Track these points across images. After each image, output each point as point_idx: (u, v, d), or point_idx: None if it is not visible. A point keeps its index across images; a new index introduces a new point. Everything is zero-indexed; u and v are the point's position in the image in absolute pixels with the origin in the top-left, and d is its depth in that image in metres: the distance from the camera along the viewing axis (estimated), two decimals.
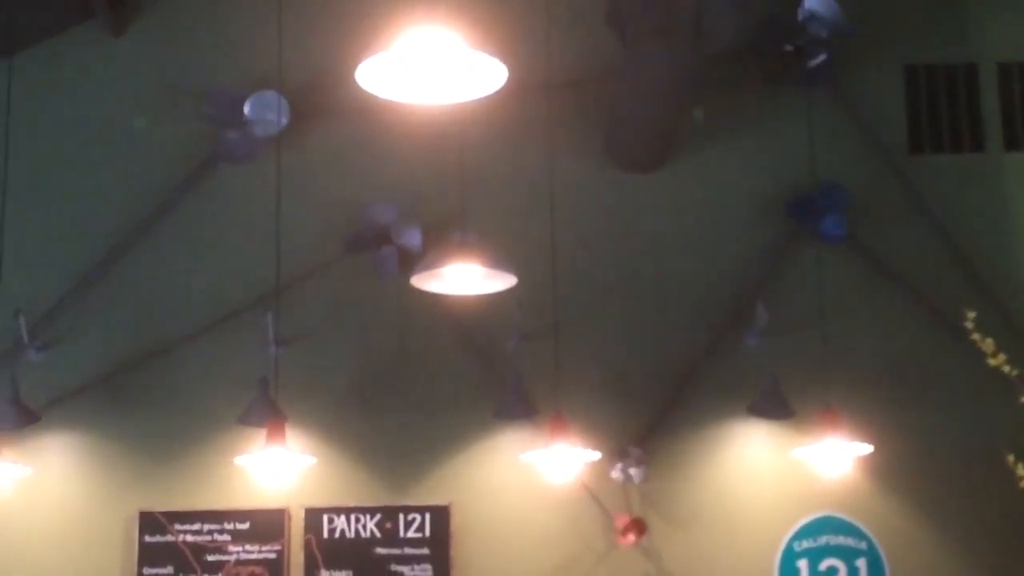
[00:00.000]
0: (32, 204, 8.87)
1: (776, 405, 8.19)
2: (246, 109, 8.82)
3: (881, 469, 8.52)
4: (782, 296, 8.74)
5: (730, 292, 8.84)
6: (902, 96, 9.20)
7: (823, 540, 8.58)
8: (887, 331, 8.82)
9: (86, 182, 9.19)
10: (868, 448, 8.00)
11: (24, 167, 8.50)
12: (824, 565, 8.56)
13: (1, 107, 7.74)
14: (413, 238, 8.68)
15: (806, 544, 8.57)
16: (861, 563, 8.56)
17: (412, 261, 8.20)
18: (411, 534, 8.61)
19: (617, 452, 8.48)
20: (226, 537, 8.67)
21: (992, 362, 6.21)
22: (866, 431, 8.09)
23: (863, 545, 8.57)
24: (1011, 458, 6.46)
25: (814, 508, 8.62)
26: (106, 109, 9.27)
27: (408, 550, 8.60)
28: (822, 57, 8.57)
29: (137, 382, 8.89)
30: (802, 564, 8.56)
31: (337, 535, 8.64)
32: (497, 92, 3.95)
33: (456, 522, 8.61)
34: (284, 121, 8.68)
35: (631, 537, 8.43)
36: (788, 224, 8.89)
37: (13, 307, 8.36)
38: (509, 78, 3.85)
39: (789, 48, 8.72)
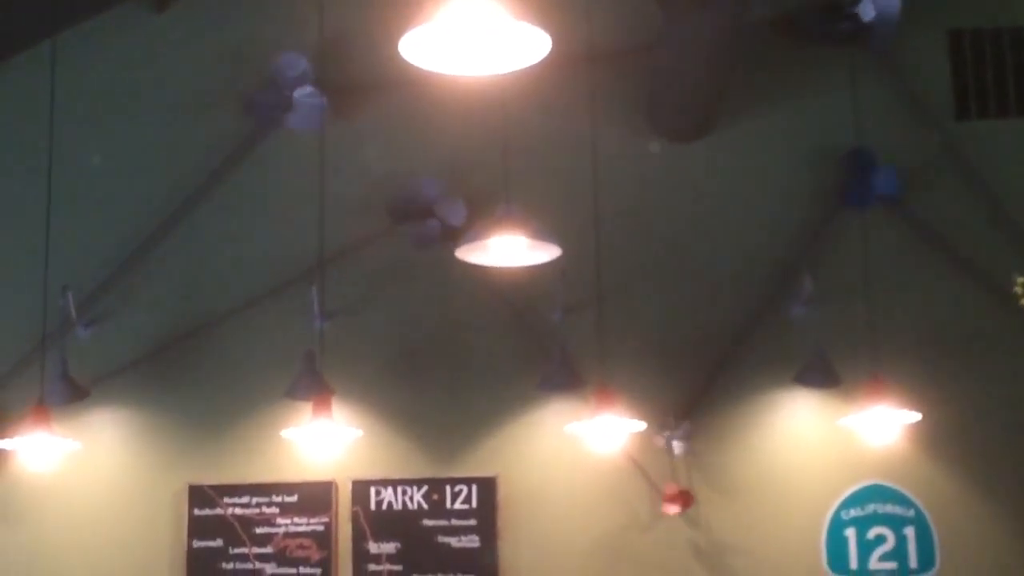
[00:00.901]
0: (78, 181, 8.93)
1: (823, 374, 8.15)
2: (296, 95, 8.81)
3: (929, 437, 8.47)
4: (828, 264, 8.69)
5: (775, 261, 8.79)
6: (947, 61, 9.11)
7: (871, 508, 8.55)
8: (934, 298, 8.76)
9: (131, 159, 9.23)
10: (916, 416, 7.96)
11: (69, 144, 8.55)
12: (872, 533, 8.53)
13: (46, 85, 7.77)
14: (456, 212, 8.68)
15: (854, 513, 8.55)
16: (909, 531, 8.52)
17: (454, 235, 8.23)
18: (458, 505, 8.64)
19: (663, 422, 8.46)
20: (274, 510, 8.72)
21: None
22: (914, 399, 8.06)
23: (911, 513, 8.53)
24: None
25: (861, 477, 8.58)
26: (149, 86, 9.31)
27: (455, 521, 8.63)
28: (846, 24, 8.50)
29: (184, 357, 8.95)
30: (850, 533, 8.53)
31: (384, 507, 8.68)
32: (539, 63, 3.94)
33: (503, 493, 8.63)
34: (315, 126, 8.65)
35: (675, 507, 8.43)
36: (834, 192, 8.83)
37: (61, 284, 8.39)
38: (551, 49, 3.84)
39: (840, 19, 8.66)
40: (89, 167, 9.11)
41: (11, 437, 7.67)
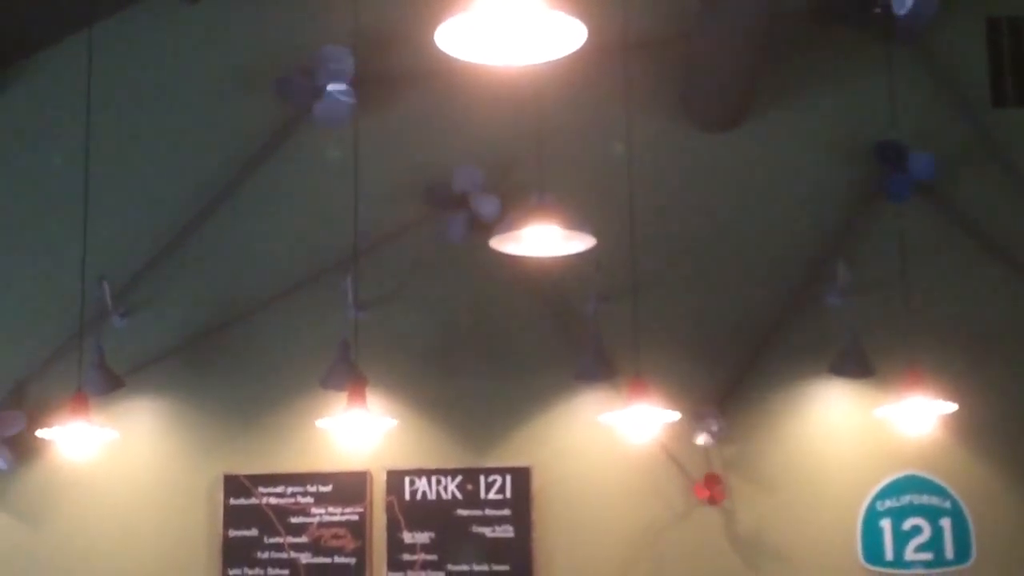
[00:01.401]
0: (114, 171, 8.97)
1: (858, 364, 8.13)
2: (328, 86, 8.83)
3: (965, 428, 8.43)
4: (863, 254, 8.66)
5: (810, 250, 8.76)
6: (984, 48, 9.05)
7: (906, 499, 8.52)
8: (971, 288, 8.71)
9: (166, 149, 9.27)
10: (952, 406, 7.92)
11: (105, 135, 8.58)
12: (908, 524, 8.50)
13: (82, 76, 7.80)
14: (489, 204, 8.67)
15: (889, 504, 8.52)
16: (945, 523, 8.48)
17: (485, 226, 8.23)
18: (492, 495, 8.64)
19: (697, 413, 8.45)
20: (309, 500, 8.75)
21: None
22: (950, 389, 8.01)
23: (947, 504, 8.50)
24: None
25: (897, 467, 8.55)
26: (184, 75, 9.35)
27: (489, 511, 8.63)
28: (907, 6, 8.43)
29: (220, 347, 8.98)
30: (885, 524, 8.50)
31: (419, 497, 8.69)
32: (574, 52, 3.93)
33: (537, 483, 8.63)
34: (340, 124, 8.67)
35: (707, 493, 8.42)
36: (870, 180, 8.78)
37: (97, 274, 8.43)
38: (586, 38, 3.83)
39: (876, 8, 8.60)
40: (125, 159, 9.14)
41: (50, 426, 7.72)
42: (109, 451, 8.66)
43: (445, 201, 8.83)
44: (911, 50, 8.84)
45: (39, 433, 7.97)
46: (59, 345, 8.87)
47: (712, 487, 8.44)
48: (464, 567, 8.58)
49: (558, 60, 4.00)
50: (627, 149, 7.85)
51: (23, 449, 8.84)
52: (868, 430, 8.51)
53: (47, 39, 9.35)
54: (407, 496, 8.70)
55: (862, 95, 8.83)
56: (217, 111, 9.26)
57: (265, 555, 8.72)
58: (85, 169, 7.76)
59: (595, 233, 6.06)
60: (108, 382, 8.05)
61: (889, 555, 8.47)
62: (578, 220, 5.95)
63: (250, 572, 8.71)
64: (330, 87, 8.77)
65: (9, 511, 8.94)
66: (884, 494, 8.53)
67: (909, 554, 8.48)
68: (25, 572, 8.86)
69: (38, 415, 8.72)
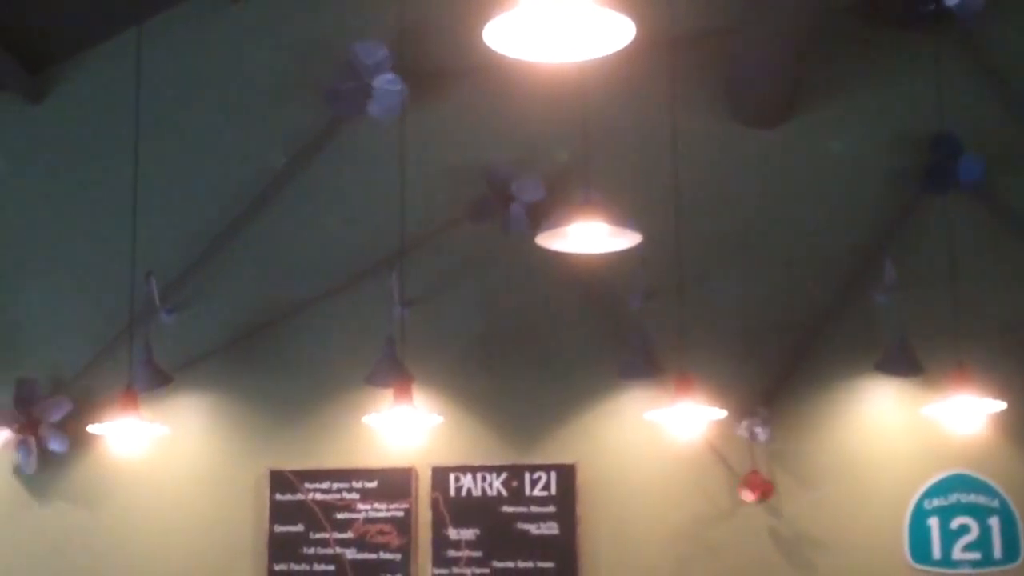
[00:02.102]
0: (163, 168, 9.02)
1: (905, 362, 8.07)
2: (375, 82, 8.83)
3: (1014, 426, 8.36)
4: (911, 251, 8.60)
5: (857, 248, 8.71)
6: None
7: (954, 498, 8.46)
8: (1019, 285, 8.63)
9: (214, 145, 9.32)
10: (1001, 405, 7.86)
11: (154, 131, 8.64)
12: (955, 523, 8.44)
13: (130, 74, 7.86)
14: (535, 192, 8.67)
15: (937, 502, 8.46)
16: (993, 521, 8.42)
17: (537, 216, 8.24)
18: (537, 492, 8.64)
19: (743, 410, 8.42)
20: (355, 496, 8.78)
21: None
22: (998, 387, 7.95)
23: (995, 503, 8.43)
24: None
25: (945, 466, 8.48)
26: (231, 73, 9.39)
27: (534, 508, 8.63)
28: (931, 6, 8.38)
29: (266, 343, 9.03)
30: (932, 522, 8.45)
31: (464, 493, 8.70)
32: (620, 48, 3.92)
33: (582, 480, 8.62)
34: (395, 112, 8.67)
35: (752, 493, 8.39)
36: (917, 178, 8.72)
37: (144, 270, 8.49)
38: (634, 35, 3.82)
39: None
40: (173, 155, 9.20)
41: (100, 422, 7.78)
42: (158, 447, 8.72)
43: (488, 204, 8.83)
44: (960, 45, 8.77)
45: (90, 428, 8.04)
46: (108, 342, 8.94)
47: (758, 486, 8.40)
48: (509, 564, 8.58)
49: (604, 56, 3.99)
50: (673, 145, 7.82)
51: (73, 444, 8.92)
52: (915, 428, 8.46)
53: (95, 38, 9.42)
54: (452, 492, 8.71)
55: (910, 90, 8.77)
56: (264, 109, 9.30)
57: (311, 551, 8.75)
58: (134, 165, 7.82)
59: (641, 229, 6.05)
60: (156, 378, 8.11)
61: (937, 554, 8.42)
62: (624, 217, 5.94)
63: (296, 568, 8.74)
64: (377, 82, 8.77)
65: (60, 505, 9.02)
66: (932, 493, 8.47)
67: (957, 553, 8.42)
68: (75, 565, 8.95)
69: (88, 411, 8.80)
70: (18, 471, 9.03)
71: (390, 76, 8.76)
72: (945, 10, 8.53)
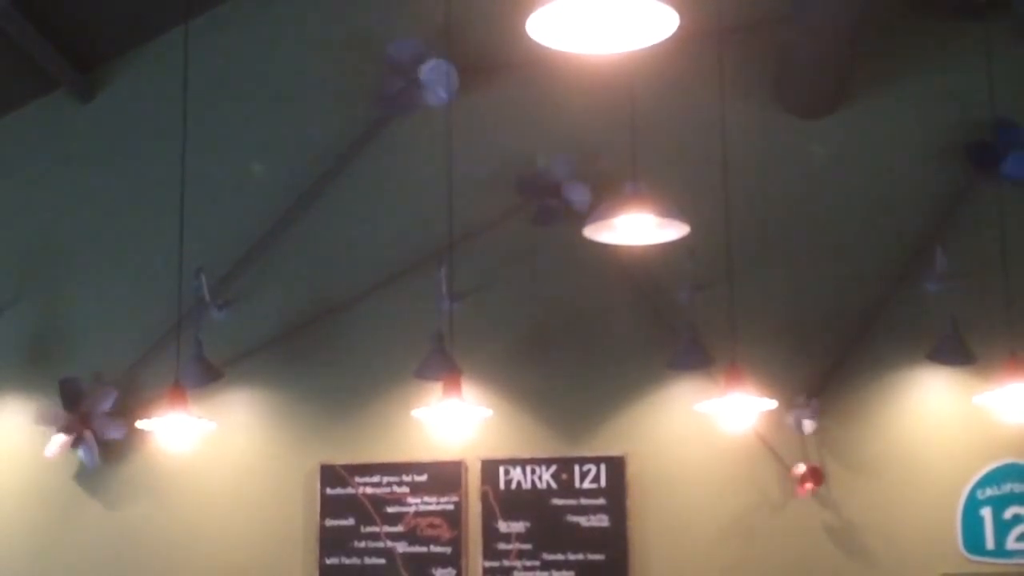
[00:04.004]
0: (211, 165, 9.05)
1: (957, 351, 8.02)
2: (421, 72, 8.83)
3: None
4: (962, 240, 8.52)
5: (908, 237, 8.65)
6: None
7: (1007, 488, 8.39)
8: None
9: (262, 141, 9.37)
10: None
11: (202, 129, 8.66)
12: (1008, 513, 8.38)
13: (179, 71, 7.90)
14: (582, 198, 8.66)
15: (990, 492, 8.40)
16: None
17: (578, 214, 8.23)
18: (587, 485, 8.64)
19: (793, 401, 8.38)
20: (405, 489, 8.80)
21: None
22: None
23: None
24: None
25: (998, 456, 8.41)
26: (277, 69, 9.44)
27: (584, 501, 8.63)
28: None
29: (316, 338, 9.06)
30: (985, 512, 8.38)
31: (513, 486, 8.71)
32: (666, 39, 3.91)
33: (631, 472, 8.61)
34: (450, 96, 8.67)
35: (809, 486, 8.35)
36: (967, 166, 8.65)
37: (194, 266, 8.54)
38: (678, 24, 3.80)
39: None
40: (221, 152, 9.25)
41: (149, 418, 7.83)
42: (207, 442, 8.78)
43: (533, 190, 8.83)
44: (1011, 32, 8.69)
45: (139, 424, 8.10)
46: (159, 337, 9.00)
47: (810, 480, 8.35)
48: (559, 556, 8.58)
49: (651, 47, 3.97)
50: (721, 135, 7.79)
51: (123, 440, 8.99)
52: (968, 418, 8.40)
53: (144, 37, 9.49)
54: (502, 485, 8.72)
55: (961, 78, 8.70)
56: (312, 104, 9.33)
57: (362, 544, 8.79)
58: (182, 162, 7.86)
59: (689, 221, 6.03)
60: (207, 374, 8.15)
61: (990, 544, 8.35)
62: (672, 208, 5.92)
63: (347, 561, 8.78)
64: (423, 73, 8.77)
65: (110, 501, 9.09)
66: (984, 483, 8.41)
67: (1010, 543, 8.35)
68: (125, 560, 9.01)
69: (138, 406, 8.86)
70: (81, 470, 9.09)
71: (432, 63, 8.76)
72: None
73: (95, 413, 8.96)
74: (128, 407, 8.99)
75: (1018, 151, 8.45)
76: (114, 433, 8.94)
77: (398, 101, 8.95)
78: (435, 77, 8.76)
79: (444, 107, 8.59)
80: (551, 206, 8.77)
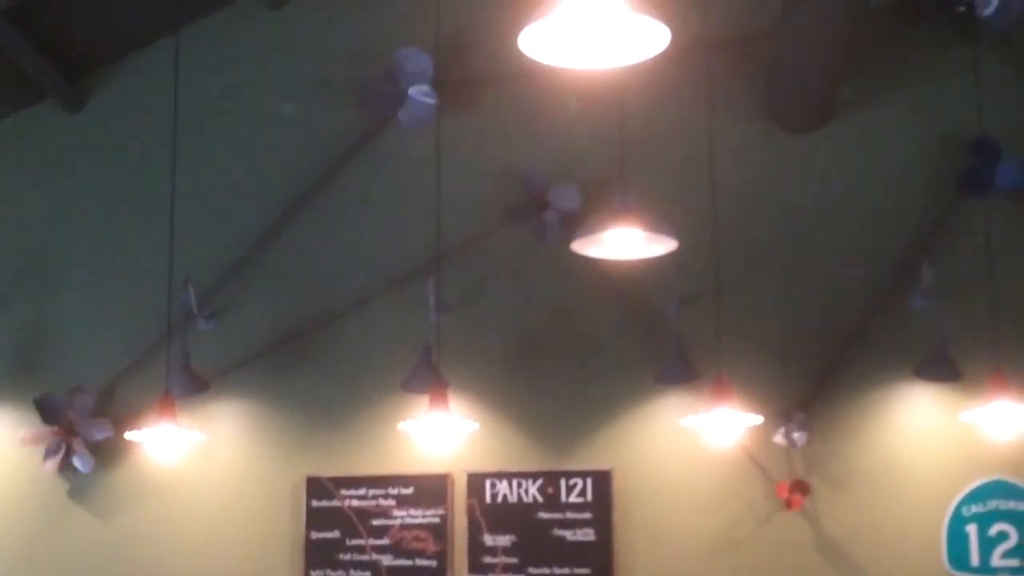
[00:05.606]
0: (200, 176, 9.07)
1: (943, 367, 8.03)
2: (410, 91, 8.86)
3: None
4: (949, 256, 8.54)
5: (895, 252, 8.67)
6: None
7: (992, 505, 8.40)
8: None
9: (251, 152, 9.38)
10: None
11: (191, 140, 8.68)
12: (994, 530, 8.39)
13: (170, 81, 7.91)
14: (572, 200, 8.67)
15: (975, 509, 8.41)
16: None
17: (572, 224, 8.23)
18: (573, 499, 8.64)
19: (780, 416, 8.39)
20: (391, 502, 8.80)
21: None
22: None
23: None
24: None
25: (983, 472, 8.42)
26: (267, 81, 9.45)
27: (570, 514, 8.63)
28: (993, 6, 8.30)
29: (303, 350, 9.06)
30: (971, 529, 8.39)
31: (500, 500, 8.71)
32: (656, 54, 3.92)
33: (618, 487, 8.62)
34: (427, 119, 8.71)
35: (797, 501, 8.36)
36: (953, 182, 8.68)
37: (182, 277, 8.53)
38: (669, 41, 3.81)
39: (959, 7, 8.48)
40: (211, 163, 9.24)
41: (138, 429, 7.82)
42: (195, 453, 8.77)
43: (523, 209, 8.84)
44: (999, 49, 8.72)
45: (127, 435, 8.08)
46: (146, 348, 8.99)
47: (797, 494, 8.36)
48: (545, 570, 8.58)
49: (641, 62, 3.98)
50: (710, 150, 7.81)
51: (111, 451, 8.98)
52: (953, 434, 8.41)
53: (134, 46, 9.49)
54: (488, 499, 8.72)
55: (948, 95, 8.72)
56: (300, 115, 9.34)
57: (347, 557, 8.78)
58: (171, 172, 7.86)
59: (677, 235, 6.04)
60: (193, 384, 8.15)
61: (975, 561, 8.37)
62: (660, 222, 5.93)
63: (332, 574, 8.77)
64: (412, 91, 8.80)
65: (97, 512, 9.08)
66: (970, 499, 8.42)
67: (995, 560, 8.36)
68: (111, 570, 9.01)
69: (125, 417, 8.85)
70: (69, 479, 9.06)
71: (425, 88, 8.78)
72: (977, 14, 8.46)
73: (78, 419, 8.94)
74: (116, 417, 8.97)
75: (1006, 163, 8.46)
76: (100, 434, 8.92)
77: (378, 100, 8.93)
78: (419, 101, 8.78)
79: (431, 121, 8.61)
80: (548, 219, 8.76)
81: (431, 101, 8.74)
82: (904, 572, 8.37)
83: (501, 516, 8.68)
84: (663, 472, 8.63)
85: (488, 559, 8.65)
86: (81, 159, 9.57)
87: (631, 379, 8.67)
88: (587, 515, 8.60)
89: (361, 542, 8.78)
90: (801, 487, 8.38)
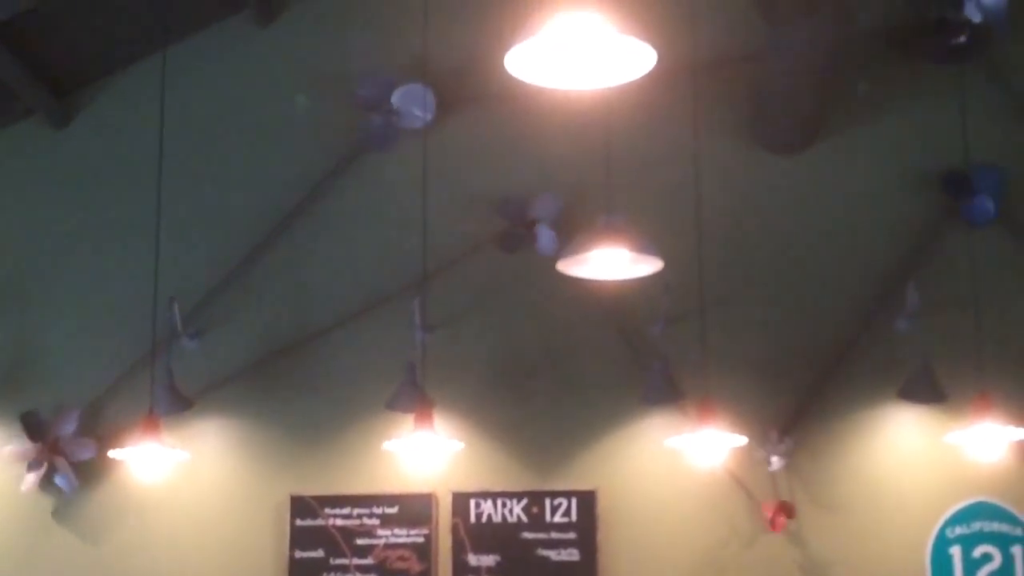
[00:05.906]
0: (185, 194, 9.04)
1: (928, 389, 8.04)
2: (393, 99, 8.87)
3: None
4: (934, 278, 8.57)
5: (880, 274, 8.70)
6: None
7: (977, 527, 8.41)
8: None
9: (236, 172, 9.36)
10: None
11: (177, 158, 8.65)
12: (978, 552, 8.40)
13: (156, 99, 7.90)
14: (554, 204, 8.72)
15: (959, 531, 8.42)
16: (1017, 550, 8.38)
17: (560, 228, 8.27)
18: (557, 519, 8.63)
19: (764, 437, 8.40)
20: (375, 521, 8.77)
21: None
22: (1021, 415, 7.92)
23: (1018, 532, 8.39)
24: None
25: (967, 494, 8.44)
26: (254, 99, 9.44)
27: (555, 535, 8.62)
28: (962, 39, 8.35)
29: (288, 368, 9.04)
30: (955, 551, 8.40)
31: (484, 519, 8.69)
32: (642, 75, 3.92)
33: (602, 507, 8.61)
34: (429, 116, 8.73)
35: (780, 522, 8.35)
36: (939, 204, 8.71)
37: (167, 295, 8.50)
38: (655, 63, 3.82)
39: (940, 29, 8.51)
40: (196, 181, 9.23)
41: (121, 447, 7.79)
42: (179, 471, 8.73)
43: (514, 236, 8.86)
44: (985, 73, 8.76)
45: (111, 454, 8.05)
46: (130, 366, 8.96)
47: (782, 515, 8.36)
48: None
49: (627, 83, 3.99)
50: (696, 171, 7.82)
51: (95, 469, 8.94)
52: (938, 456, 8.42)
53: (120, 64, 9.48)
54: (472, 519, 8.70)
55: (934, 118, 8.75)
56: (287, 134, 9.33)
57: None
58: (158, 190, 7.85)
59: (663, 256, 6.05)
60: (177, 403, 8.12)
61: None
62: (646, 243, 5.94)
63: None
64: (395, 97, 8.82)
65: (80, 531, 9.03)
66: (954, 521, 8.43)
67: None
68: None
69: (109, 435, 8.82)
70: (53, 499, 9.02)
71: (405, 88, 8.80)
72: (975, 41, 8.49)
73: (62, 438, 8.91)
74: (99, 435, 8.94)
75: (989, 194, 8.50)
76: (84, 454, 8.89)
77: (377, 136, 8.97)
78: (410, 100, 8.80)
79: (420, 138, 8.59)
80: (519, 233, 8.80)
81: (420, 94, 8.74)
82: None
83: (485, 536, 8.66)
84: (648, 492, 8.63)
85: None
86: (67, 176, 9.55)
87: (616, 399, 8.67)
88: (571, 535, 8.59)
89: (345, 561, 8.75)
90: (786, 509, 8.39)
